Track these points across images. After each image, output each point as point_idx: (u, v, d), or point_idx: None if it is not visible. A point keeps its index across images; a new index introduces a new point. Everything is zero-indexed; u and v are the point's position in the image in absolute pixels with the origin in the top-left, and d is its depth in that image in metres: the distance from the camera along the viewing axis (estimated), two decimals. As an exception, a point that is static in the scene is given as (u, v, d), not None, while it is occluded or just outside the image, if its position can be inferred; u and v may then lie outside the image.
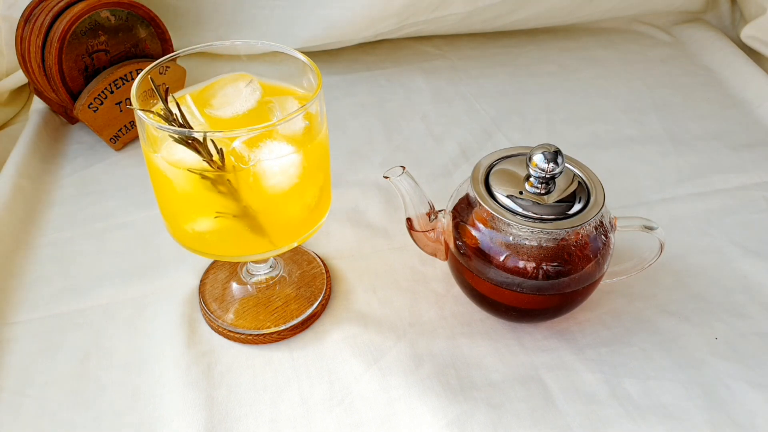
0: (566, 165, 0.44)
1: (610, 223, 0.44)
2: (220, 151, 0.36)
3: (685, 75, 0.80)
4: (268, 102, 0.41)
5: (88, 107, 0.61)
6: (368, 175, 0.62)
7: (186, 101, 0.41)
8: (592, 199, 0.43)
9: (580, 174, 0.45)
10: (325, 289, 0.49)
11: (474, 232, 0.44)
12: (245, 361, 0.45)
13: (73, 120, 0.68)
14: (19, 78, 0.70)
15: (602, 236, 0.43)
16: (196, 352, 0.45)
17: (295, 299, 0.48)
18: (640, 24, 0.90)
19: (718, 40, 0.84)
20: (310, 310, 0.48)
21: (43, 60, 0.60)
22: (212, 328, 0.47)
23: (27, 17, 0.60)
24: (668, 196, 0.59)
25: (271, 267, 0.50)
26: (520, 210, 0.41)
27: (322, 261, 0.52)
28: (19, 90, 0.74)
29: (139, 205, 0.58)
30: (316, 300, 0.48)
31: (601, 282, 0.45)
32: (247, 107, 0.41)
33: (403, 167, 0.45)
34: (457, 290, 0.50)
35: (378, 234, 0.55)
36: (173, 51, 0.65)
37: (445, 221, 0.46)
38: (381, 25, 0.77)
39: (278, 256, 0.51)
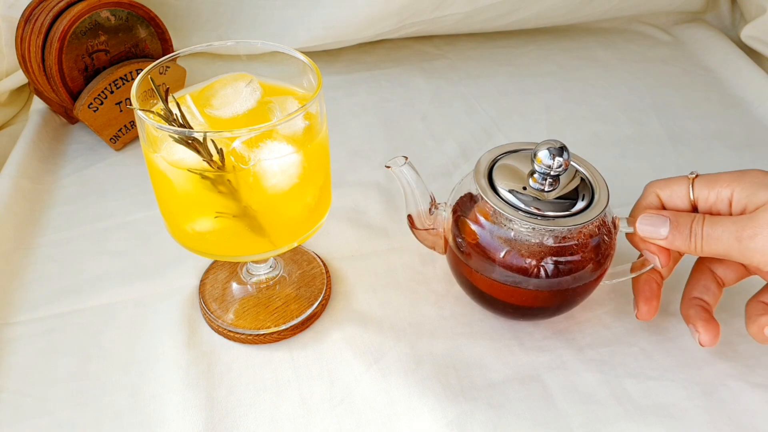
0: (571, 162, 0.44)
1: (612, 222, 0.44)
2: (220, 151, 0.36)
3: (685, 75, 0.80)
4: (268, 102, 0.42)
5: (88, 107, 0.61)
6: (368, 175, 0.62)
7: (186, 101, 0.41)
8: (596, 197, 0.42)
9: (585, 172, 0.44)
10: (325, 289, 0.49)
11: (474, 228, 0.43)
12: (245, 361, 0.45)
13: (73, 120, 0.68)
14: (19, 78, 0.70)
15: (605, 236, 0.43)
16: (196, 352, 0.45)
17: (295, 299, 0.48)
18: (640, 24, 0.90)
19: (718, 40, 0.84)
20: (310, 310, 0.48)
21: (43, 60, 0.60)
22: (212, 328, 0.47)
23: (27, 17, 0.60)
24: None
25: (271, 267, 0.50)
26: (522, 206, 0.41)
27: (322, 261, 0.52)
28: (19, 90, 0.74)
29: (139, 205, 0.58)
30: (316, 300, 0.48)
31: (601, 282, 0.45)
32: (247, 107, 0.41)
33: (406, 157, 0.44)
34: (457, 290, 0.50)
35: (378, 234, 0.55)
36: (173, 51, 0.66)
37: (446, 215, 0.46)
38: (381, 25, 0.77)
39: (278, 256, 0.51)
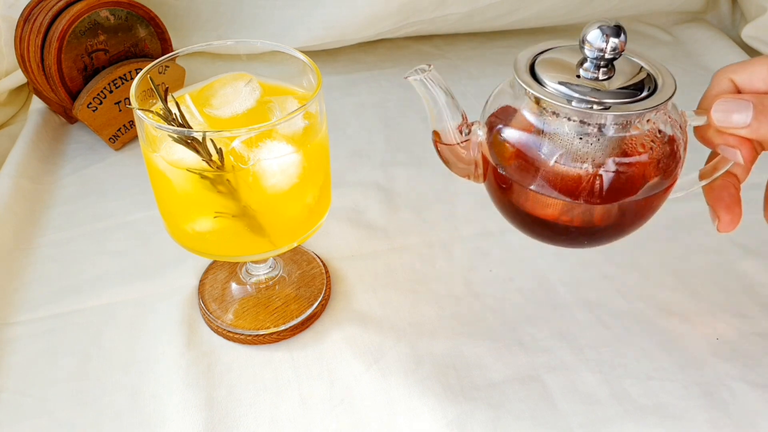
0: (626, 55, 0.37)
1: (680, 116, 0.37)
2: (219, 151, 0.36)
3: (685, 75, 0.80)
4: (267, 102, 0.41)
5: (88, 107, 0.61)
6: (368, 175, 0.62)
7: (185, 101, 0.41)
8: (660, 84, 0.35)
9: (642, 63, 0.37)
10: (325, 289, 0.49)
11: (519, 137, 0.36)
12: (245, 361, 0.45)
13: (72, 120, 0.68)
14: (19, 78, 0.70)
15: (677, 129, 0.36)
16: (196, 352, 0.45)
17: (294, 299, 0.48)
18: (640, 24, 0.90)
19: (718, 40, 0.84)
20: (309, 311, 0.47)
21: (42, 59, 0.60)
22: (212, 328, 0.47)
23: (26, 17, 0.60)
24: (669, 196, 0.59)
25: (270, 267, 0.50)
26: (577, 96, 0.34)
27: (322, 261, 0.52)
28: (18, 90, 0.74)
29: (139, 205, 0.58)
30: (316, 300, 0.48)
31: (670, 193, 0.38)
32: (247, 107, 0.41)
33: (429, 64, 0.38)
34: (457, 290, 0.50)
35: (378, 234, 0.55)
36: (172, 51, 0.65)
37: (482, 133, 0.39)
38: (381, 24, 0.77)
39: (278, 256, 0.51)
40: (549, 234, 0.40)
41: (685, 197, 0.40)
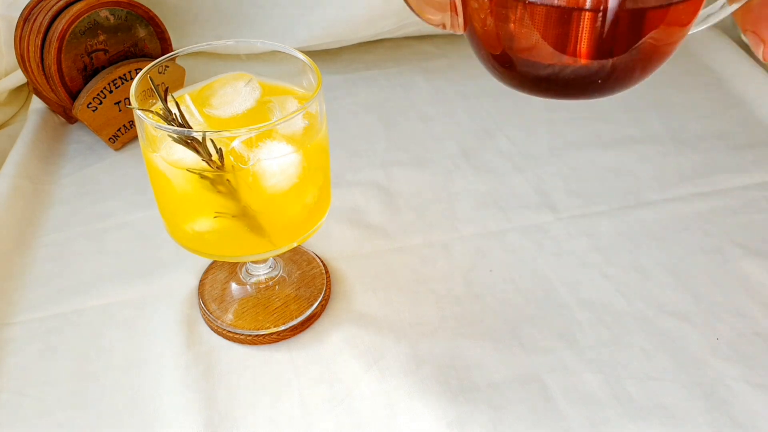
0: None
1: None
2: (219, 151, 0.36)
3: (686, 75, 0.79)
4: (267, 101, 0.41)
5: (87, 107, 0.61)
6: (368, 175, 0.62)
7: (185, 101, 0.40)
8: None
9: None
10: (325, 290, 0.49)
11: None
12: (245, 361, 0.45)
13: (72, 120, 0.68)
14: (18, 78, 0.70)
15: None
16: (195, 352, 0.45)
17: (294, 300, 0.48)
18: (640, 23, 0.90)
19: (719, 40, 0.84)
20: (309, 311, 0.47)
21: (42, 59, 0.60)
22: (211, 328, 0.47)
23: (26, 17, 0.60)
24: (669, 196, 0.59)
25: (270, 267, 0.50)
26: None
27: (322, 261, 0.52)
28: (18, 90, 0.74)
29: (139, 205, 0.58)
30: (316, 300, 0.48)
31: (696, 18, 0.32)
32: (246, 107, 0.41)
33: None
34: (458, 290, 0.50)
35: (378, 234, 0.55)
36: (172, 50, 0.65)
37: None
38: (381, 24, 0.77)
39: (278, 256, 0.51)
40: (554, 81, 0.33)
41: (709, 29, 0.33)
